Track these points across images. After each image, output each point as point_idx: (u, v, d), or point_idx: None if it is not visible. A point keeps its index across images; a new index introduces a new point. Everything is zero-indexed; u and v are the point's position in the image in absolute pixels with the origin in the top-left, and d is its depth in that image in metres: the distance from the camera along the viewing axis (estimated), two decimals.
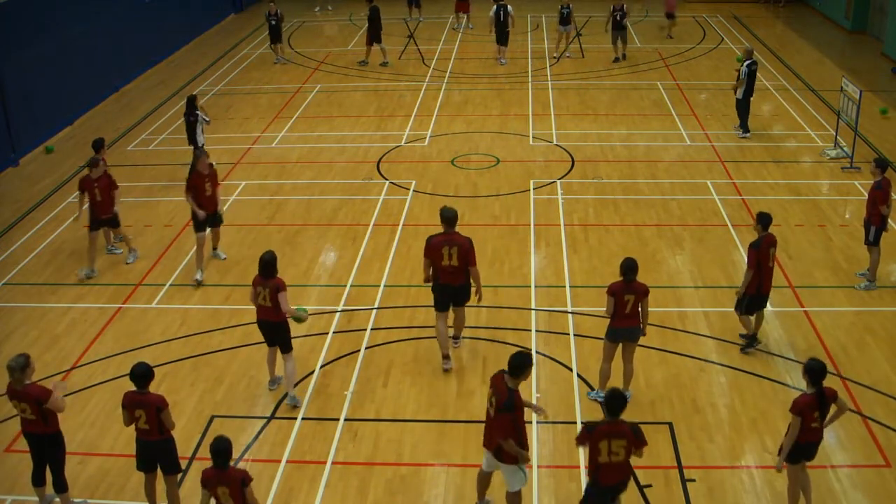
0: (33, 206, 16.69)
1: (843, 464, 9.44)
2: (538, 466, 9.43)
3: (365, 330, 12.15)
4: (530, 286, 13.12)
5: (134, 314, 12.82)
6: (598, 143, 18.74)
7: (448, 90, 22.79)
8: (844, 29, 28.37)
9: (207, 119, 17.36)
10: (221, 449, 7.49)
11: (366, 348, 11.75)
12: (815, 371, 8.13)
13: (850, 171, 16.94)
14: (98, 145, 14.38)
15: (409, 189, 16.64)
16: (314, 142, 19.43)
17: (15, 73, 18.95)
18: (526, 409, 8.36)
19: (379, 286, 13.25)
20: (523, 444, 8.18)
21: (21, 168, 18.79)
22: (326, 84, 23.69)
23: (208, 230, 13.64)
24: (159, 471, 8.67)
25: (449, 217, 10.73)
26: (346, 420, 10.35)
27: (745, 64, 18.37)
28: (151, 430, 8.39)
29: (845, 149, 17.66)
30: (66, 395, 10.40)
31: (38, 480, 8.92)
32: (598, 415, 9.56)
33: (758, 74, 19.29)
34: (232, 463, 7.78)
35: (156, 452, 8.55)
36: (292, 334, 10.57)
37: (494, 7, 24.37)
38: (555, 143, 18.82)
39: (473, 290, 10.93)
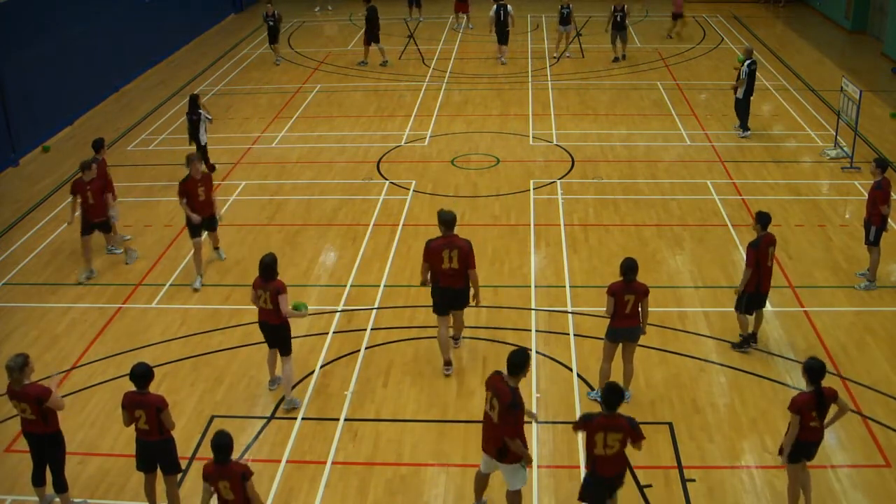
0: (33, 206, 16.69)
1: (843, 464, 9.44)
2: (538, 466, 9.43)
3: (365, 330, 12.15)
4: (530, 286, 13.12)
5: (134, 314, 12.83)
6: (598, 143, 18.74)
7: (448, 90, 22.79)
8: (844, 29, 28.37)
9: (210, 117, 17.40)
10: (222, 444, 7.51)
11: (366, 348, 11.75)
12: (814, 370, 8.15)
13: (850, 171, 16.94)
14: (98, 145, 14.41)
15: (409, 189, 16.64)
16: (314, 142, 19.43)
17: (15, 73, 18.95)
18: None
19: (379, 286, 13.25)
20: (523, 443, 8.19)
21: (21, 168, 18.80)
22: (326, 84, 23.69)
23: (204, 235, 13.57)
24: (159, 471, 8.67)
25: (448, 220, 10.69)
26: (346, 420, 10.35)
27: (746, 63, 18.37)
28: (151, 430, 8.39)
29: (845, 149, 17.67)
30: (65, 396, 10.44)
31: (38, 480, 8.92)
32: None
33: (757, 74, 19.31)
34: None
35: (156, 453, 8.55)
36: (293, 334, 10.56)
37: (494, 7, 24.38)
38: (555, 143, 18.82)
39: (471, 293, 10.91)
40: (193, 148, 17.20)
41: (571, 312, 12.40)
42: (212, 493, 7.67)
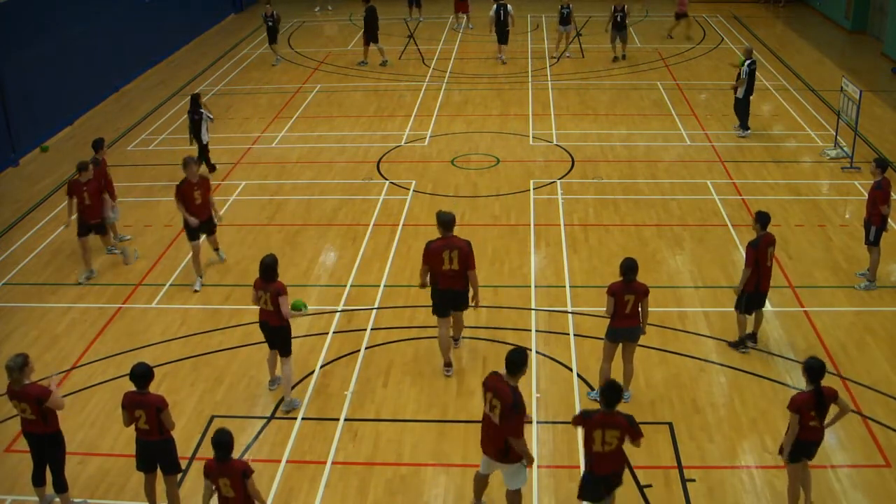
0: (33, 206, 16.70)
1: (843, 464, 9.44)
2: (538, 466, 9.43)
3: (365, 330, 12.15)
4: (530, 286, 13.12)
5: (134, 314, 12.83)
6: (598, 143, 18.74)
7: (448, 90, 22.79)
8: (844, 29, 28.37)
9: (211, 116, 17.42)
10: (223, 441, 7.53)
11: (366, 348, 11.75)
12: (813, 369, 8.15)
13: (850, 171, 16.94)
14: (98, 145, 14.40)
15: (409, 189, 16.64)
16: (314, 142, 19.43)
17: (15, 73, 18.95)
18: None
19: (379, 286, 13.25)
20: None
21: (21, 168, 18.80)
22: (326, 84, 23.69)
23: (202, 238, 13.52)
24: (159, 471, 8.67)
25: (447, 221, 10.65)
26: (346, 420, 10.35)
27: (746, 63, 18.37)
28: (151, 430, 8.38)
29: (845, 149, 17.67)
30: (65, 396, 10.44)
31: (38, 480, 8.92)
32: None
33: (757, 74, 19.31)
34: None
35: (156, 453, 8.55)
36: (293, 334, 10.56)
37: (494, 6, 24.38)
38: (555, 143, 18.82)
39: (470, 294, 10.89)
40: (195, 147, 17.23)
41: (571, 312, 12.40)
42: (213, 490, 7.67)
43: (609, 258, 13.63)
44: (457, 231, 10.76)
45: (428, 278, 10.81)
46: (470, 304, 10.95)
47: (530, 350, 11.39)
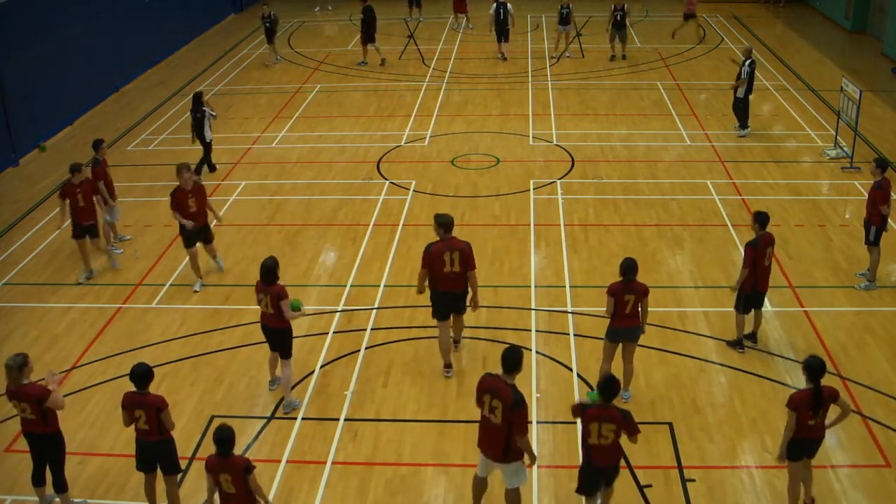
0: (33, 206, 16.70)
1: (843, 464, 9.44)
2: (538, 466, 9.42)
3: (365, 330, 12.15)
4: (530, 286, 13.12)
5: (134, 314, 12.82)
6: (598, 143, 18.74)
7: (448, 90, 22.79)
8: (844, 29, 28.36)
9: (214, 114, 17.43)
10: (224, 437, 7.53)
11: (366, 348, 11.75)
12: (813, 368, 8.16)
13: (850, 171, 16.94)
14: (97, 145, 14.39)
15: (409, 189, 16.64)
16: (314, 142, 19.43)
17: (15, 73, 18.95)
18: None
19: (379, 286, 13.24)
20: None
21: (21, 168, 18.80)
22: (326, 84, 23.69)
23: (198, 245, 13.38)
24: (159, 471, 8.67)
25: (446, 223, 10.62)
26: (346, 420, 10.35)
27: (746, 63, 18.38)
28: (151, 430, 8.38)
29: (845, 149, 17.66)
30: (65, 396, 10.43)
31: (38, 480, 8.92)
32: None
33: (757, 74, 19.31)
34: None
35: (155, 453, 8.55)
36: (293, 334, 10.56)
37: (494, 5, 24.38)
38: (555, 143, 18.82)
39: (469, 296, 10.85)
40: (198, 146, 17.23)
41: (571, 312, 12.40)
42: (215, 486, 7.67)
43: (609, 258, 13.63)
44: (456, 231, 10.75)
45: (426, 283, 10.78)
46: (468, 305, 10.93)
47: (526, 349, 11.38)
